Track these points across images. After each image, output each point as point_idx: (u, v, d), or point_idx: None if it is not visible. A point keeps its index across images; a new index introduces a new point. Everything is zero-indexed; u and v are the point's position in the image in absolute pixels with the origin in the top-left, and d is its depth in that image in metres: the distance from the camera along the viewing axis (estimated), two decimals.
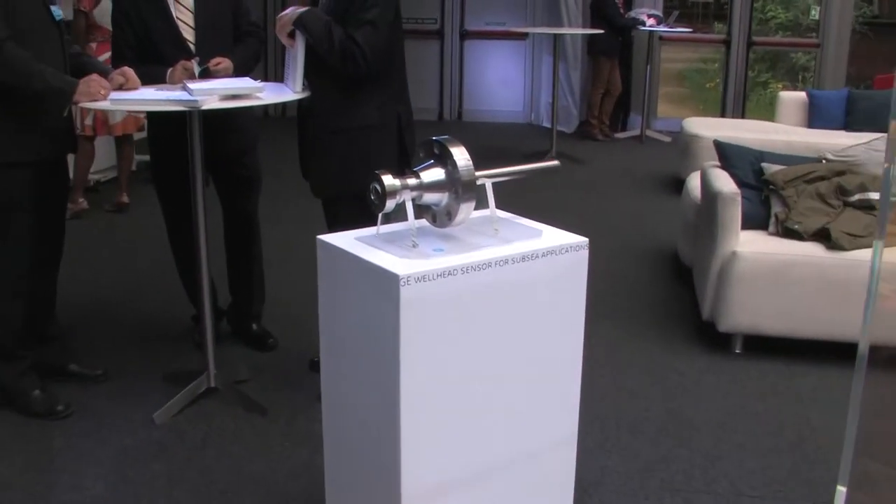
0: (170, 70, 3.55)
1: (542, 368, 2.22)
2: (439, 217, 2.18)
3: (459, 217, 2.12)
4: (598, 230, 6.01)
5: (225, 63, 3.58)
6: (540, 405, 2.25)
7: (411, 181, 2.09)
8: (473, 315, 2.05)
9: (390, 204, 2.07)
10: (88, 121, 6.00)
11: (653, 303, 4.67)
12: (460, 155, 2.09)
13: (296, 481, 3.03)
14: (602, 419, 3.42)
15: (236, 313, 4.17)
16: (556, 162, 2.36)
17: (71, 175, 5.96)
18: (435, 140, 2.14)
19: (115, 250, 5.60)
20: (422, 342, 1.98)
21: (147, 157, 7.06)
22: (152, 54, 3.64)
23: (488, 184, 2.21)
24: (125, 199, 6.39)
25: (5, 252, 3.28)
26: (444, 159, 2.11)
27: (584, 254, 2.20)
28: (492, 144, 8.91)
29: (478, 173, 2.16)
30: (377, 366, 2.05)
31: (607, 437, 3.29)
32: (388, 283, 1.93)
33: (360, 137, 3.24)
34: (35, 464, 3.11)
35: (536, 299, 2.15)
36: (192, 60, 3.55)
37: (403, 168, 3.34)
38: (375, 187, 2.08)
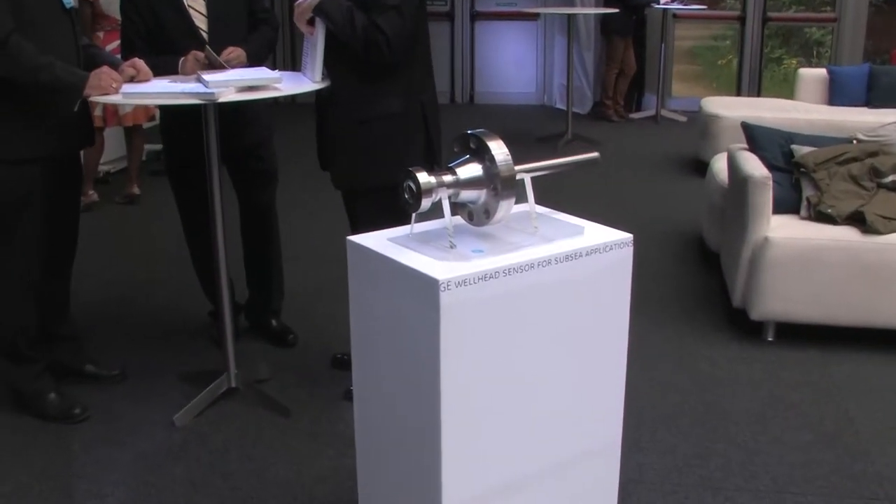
0: (181, 60, 3.43)
1: (585, 372, 2.11)
2: (477, 215, 2.06)
3: (499, 215, 2.01)
4: (617, 214, 5.85)
5: (237, 52, 3.46)
6: (584, 409, 2.15)
7: (447, 178, 1.98)
8: (515, 318, 1.94)
9: (426, 203, 1.95)
10: (98, 111, 5.88)
11: (680, 290, 4.56)
12: (498, 149, 1.98)
13: (322, 485, 2.93)
14: (636, 414, 3.30)
15: (255, 309, 4.07)
16: (595, 154, 2.23)
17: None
18: (471, 133, 2.02)
19: (127, 243, 5.51)
20: (462, 348, 1.87)
21: (156, 147, 7.07)
22: (163, 44, 3.52)
23: (527, 178, 2.09)
24: (136, 190, 6.29)
25: (16, 252, 3.17)
26: (482, 154, 2.00)
27: (629, 251, 2.09)
28: (505, 127, 8.75)
29: (517, 168, 2.04)
30: (416, 372, 1.94)
31: (643, 433, 3.18)
32: (427, 288, 1.82)
33: (383, 127, 3.12)
34: (53, 470, 3.02)
35: (580, 300, 2.04)
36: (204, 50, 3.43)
37: (429, 159, 3.27)
38: (410, 185, 1.96)
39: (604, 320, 2.11)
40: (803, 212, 4.01)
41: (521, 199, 2.17)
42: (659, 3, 9.02)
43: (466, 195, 2.02)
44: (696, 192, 5.82)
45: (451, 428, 1.91)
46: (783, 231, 3.85)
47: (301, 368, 3.73)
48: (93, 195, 6.13)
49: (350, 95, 3.12)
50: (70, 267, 3.52)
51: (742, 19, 9.71)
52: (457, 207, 2.10)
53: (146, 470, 3.01)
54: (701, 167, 6.63)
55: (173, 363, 3.75)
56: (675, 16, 9.73)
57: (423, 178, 1.94)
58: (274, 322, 4.02)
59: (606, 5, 9.02)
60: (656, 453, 3.07)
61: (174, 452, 3.12)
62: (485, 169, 1.99)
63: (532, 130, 8.51)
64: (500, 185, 1.96)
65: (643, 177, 6.99)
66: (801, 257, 3.81)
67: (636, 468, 2.98)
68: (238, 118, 3.57)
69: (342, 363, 3.64)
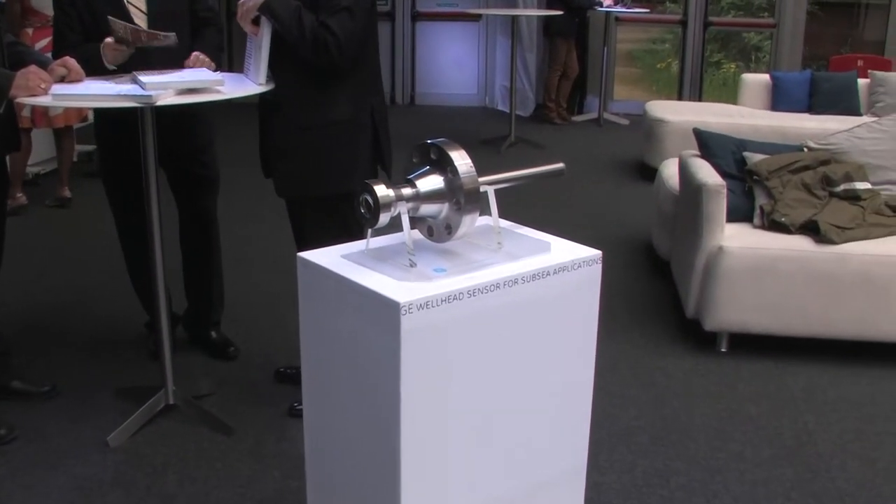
0: (101, 45, 3.18)
1: (552, 396, 2.00)
2: (437, 230, 1.93)
3: (461, 230, 1.88)
4: (563, 220, 5.83)
5: (204, 58, 3.27)
6: (549, 435, 2.03)
7: (407, 191, 1.84)
8: (479, 342, 1.81)
9: (384, 218, 1.81)
10: (25, 112, 5.61)
11: (631, 299, 4.47)
12: (461, 160, 1.85)
13: None
14: (593, 429, 3.16)
15: (194, 320, 3.88)
16: (561, 165, 2.12)
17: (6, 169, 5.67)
18: (431, 143, 1.89)
19: (57, 249, 5.26)
20: (424, 374, 1.74)
21: (88, 147, 6.81)
22: (99, 41, 3.33)
23: (491, 191, 1.97)
24: (67, 193, 6.04)
25: None
26: (443, 165, 1.86)
27: (598, 269, 1.98)
28: (447, 130, 8.65)
29: (480, 179, 1.92)
30: (373, 400, 1.80)
31: (600, 450, 3.07)
32: (386, 311, 1.69)
33: (330, 134, 2.96)
34: None
35: (547, 321, 1.92)
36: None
37: (378, 166, 3.13)
38: (367, 199, 1.82)
39: (571, 342, 2.00)
40: (757, 220, 3.95)
41: (484, 211, 2.05)
42: (602, 6, 8.98)
43: (427, 209, 1.88)
44: (643, 197, 5.77)
45: (412, 459, 1.78)
46: (737, 240, 3.79)
47: (243, 383, 3.56)
48: (21, 198, 5.87)
49: (296, 100, 2.96)
50: None
51: (684, 23, 9.73)
52: (415, 222, 1.97)
53: (80, 496, 2.82)
54: (646, 171, 6.60)
55: (108, 378, 3.56)
56: (617, 19, 9.71)
57: (382, 191, 1.80)
58: (214, 334, 3.84)
59: (549, 7, 8.96)
60: (615, 472, 2.97)
61: (109, 476, 2.93)
62: (447, 181, 1.86)
63: (475, 132, 8.42)
64: (464, 198, 1.83)
65: (588, 181, 6.92)
66: (755, 267, 3.75)
67: (594, 488, 2.87)
68: (179, 121, 3.39)
69: (286, 377, 3.50)
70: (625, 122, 9.21)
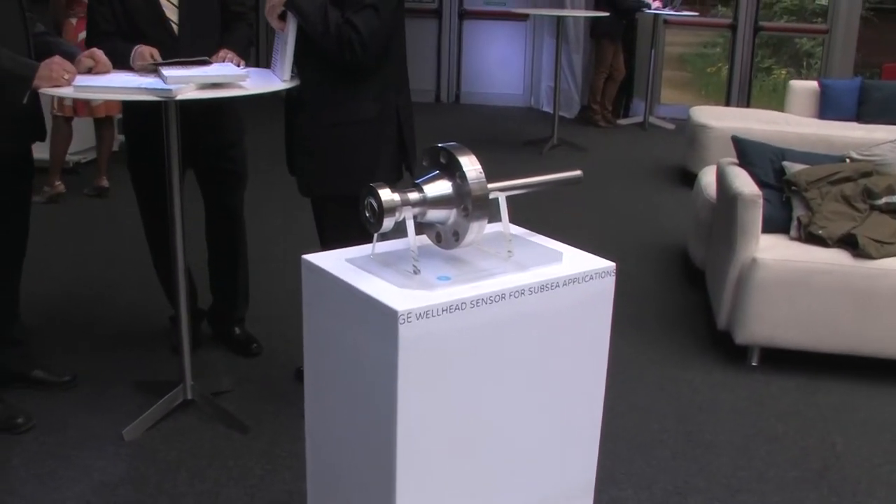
0: (134, 49, 3.20)
1: (559, 412, 1.93)
2: (445, 237, 1.88)
3: (469, 238, 1.82)
4: (600, 225, 5.76)
5: (231, 55, 3.26)
6: (556, 452, 1.97)
7: (413, 196, 1.79)
8: (482, 353, 1.76)
9: (388, 223, 1.77)
10: (68, 101, 5.65)
11: (662, 309, 4.38)
12: (470, 165, 1.79)
13: None
14: (612, 442, 3.12)
15: (218, 316, 3.87)
16: (578, 172, 2.06)
17: (47, 156, 5.73)
18: (441, 147, 1.84)
19: (91, 238, 5.29)
20: (422, 385, 1.69)
21: None
22: (131, 33, 3.32)
23: (502, 198, 1.91)
24: (105, 182, 6.08)
25: None
26: (452, 170, 1.81)
27: (611, 281, 1.91)
28: (490, 129, 8.61)
29: (490, 186, 1.86)
30: (370, 408, 1.76)
31: (619, 463, 3.01)
32: (384, 318, 1.64)
33: (354, 133, 2.93)
34: None
35: (555, 334, 1.86)
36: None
37: (401, 166, 3.09)
38: (371, 203, 1.78)
39: (580, 356, 1.93)
40: (793, 232, 3.85)
41: (497, 217, 2.00)
42: (650, 9, 8.86)
43: (434, 215, 1.83)
44: (683, 204, 5.66)
45: (408, 468, 1.73)
46: (772, 252, 3.69)
47: (263, 380, 3.54)
48: (59, 186, 5.92)
49: (320, 98, 2.93)
50: (19, 267, 3.32)
51: (734, 27, 9.57)
52: (424, 227, 1.92)
53: (89, 489, 2.81)
54: (688, 178, 6.48)
55: (129, 370, 3.56)
56: (666, 21, 9.58)
57: (386, 195, 1.75)
58: (237, 330, 3.82)
59: (597, 9, 8.86)
60: (633, 487, 2.90)
61: (121, 470, 2.92)
62: (455, 187, 1.81)
63: (518, 133, 8.34)
64: (472, 204, 1.78)
65: (628, 186, 6.83)
66: (789, 280, 3.65)
67: (611, 503, 2.80)
68: (207, 115, 3.39)
69: None
70: (671, 126, 9.08)
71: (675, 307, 4.41)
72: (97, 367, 3.57)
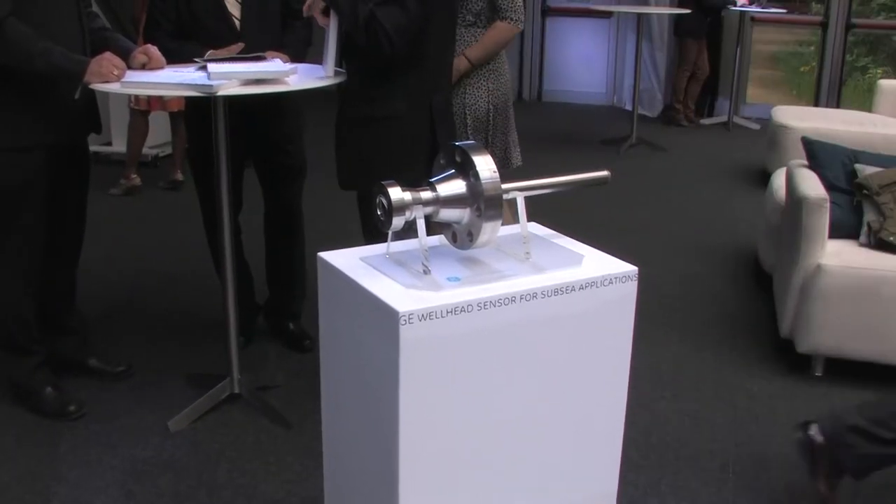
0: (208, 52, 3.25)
1: (575, 421, 1.87)
2: (460, 237, 1.84)
3: (483, 238, 1.78)
4: (674, 225, 5.63)
5: (277, 55, 3.28)
6: (572, 459, 1.91)
7: (425, 195, 1.76)
8: (490, 359, 1.71)
9: (398, 221, 1.74)
10: (144, 95, 5.77)
11: (727, 313, 4.26)
12: (484, 165, 1.75)
13: None
14: (659, 450, 3.06)
15: (274, 310, 3.90)
16: (605, 173, 1.99)
17: (124, 150, 5.86)
18: (456, 146, 1.80)
19: (162, 232, 5.38)
20: (426, 389, 1.66)
21: None
22: (192, 28, 3.37)
23: (520, 198, 1.86)
24: (180, 176, 6.18)
25: (16, 243, 3.06)
26: (466, 169, 1.77)
27: (633, 286, 1.84)
28: (571, 128, 8.51)
29: (507, 186, 1.82)
30: (376, 410, 1.73)
31: (664, 474, 2.92)
32: (387, 319, 1.61)
33: (383, 130, 2.89)
34: (36, 470, 2.89)
35: (571, 340, 1.80)
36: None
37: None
38: (382, 201, 1.75)
39: (599, 363, 1.87)
40: (863, 238, 3.69)
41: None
42: (736, 6, 8.63)
43: (448, 214, 1.79)
44: (759, 208, 5.49)
45: (411, 473, 1.70)
46: (839, 258, 3.55)
47: (313, 377, 3.51)
48: (135, 179, 6.05)
49: (354, 93, 2.91)
50: (76, 257, 3.39)
51: (824, 25, 9.27)
52: (442, 227, 1.88)
53: (132, 477, 2.86)
54: (767, 180, 6.29)
55: (182, 362, 3.61)
56: (752, 19, 9.32)
57: (396, 193, 1.72)
58: (292, 325, 3.84)
59: (681, 6, 8.67)
60: (675, 499, 2.81)
61: (164, 460, 2.96)
62: (469, 186, 1.77)
63: (597, 132, 8.21)
64: (484, 204, 1.74)
65: (706, 186, 6.66)
66: (856, 288, 3.50)
67: None
68: (265, 110, 3.40)
69: None
70: (756, 126, 8.84)
71: (741, 312, 4.27)
72: (152, 358, 3.63)
